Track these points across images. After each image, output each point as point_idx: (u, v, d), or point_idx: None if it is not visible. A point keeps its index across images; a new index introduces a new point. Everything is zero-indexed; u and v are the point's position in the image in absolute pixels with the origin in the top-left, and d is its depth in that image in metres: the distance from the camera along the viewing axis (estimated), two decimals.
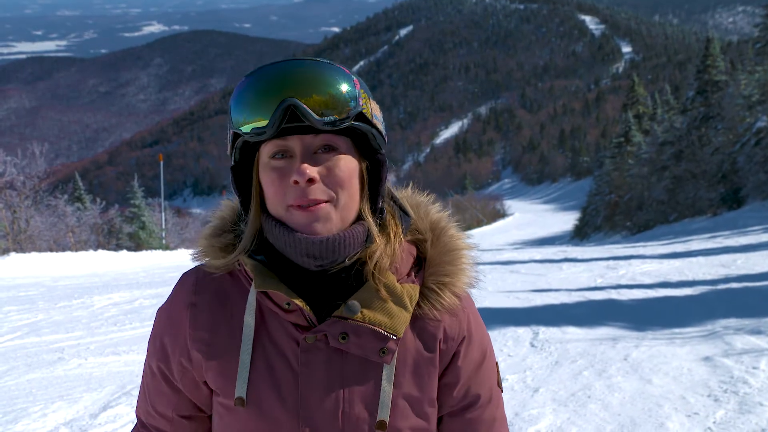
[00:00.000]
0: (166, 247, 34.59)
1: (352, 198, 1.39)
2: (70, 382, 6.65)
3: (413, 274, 1.48)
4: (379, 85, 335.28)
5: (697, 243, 20.06)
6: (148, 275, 17.80)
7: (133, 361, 7.45)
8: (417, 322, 1.46)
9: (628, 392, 5.72)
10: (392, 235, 1.45)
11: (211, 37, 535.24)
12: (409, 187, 1.60)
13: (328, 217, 1.37)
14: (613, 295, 11.08)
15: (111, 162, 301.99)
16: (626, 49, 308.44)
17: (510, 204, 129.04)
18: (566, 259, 18.12)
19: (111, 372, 7.00)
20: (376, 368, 1.42)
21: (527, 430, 4.94)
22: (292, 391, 1.40)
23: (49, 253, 23.23)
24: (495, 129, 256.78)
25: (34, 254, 22.15)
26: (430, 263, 1.49)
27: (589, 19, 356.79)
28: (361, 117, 1.39)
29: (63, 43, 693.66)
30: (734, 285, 11.06)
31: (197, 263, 1.53)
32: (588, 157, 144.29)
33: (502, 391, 1.62)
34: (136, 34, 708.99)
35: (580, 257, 18.61)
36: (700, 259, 15.01)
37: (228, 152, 1.46)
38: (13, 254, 21.44)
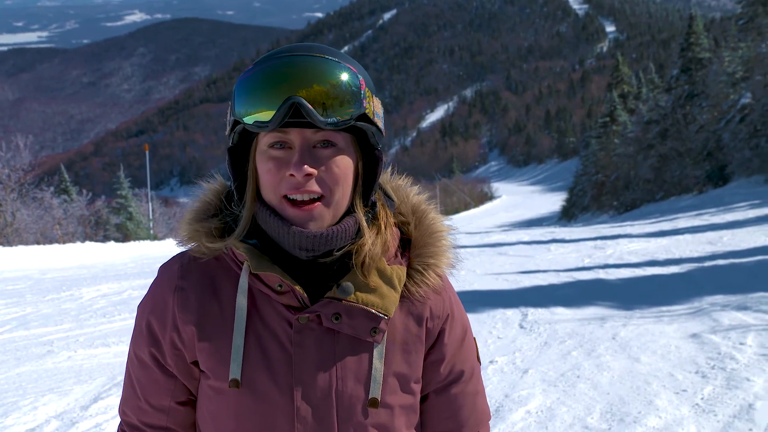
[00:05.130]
0: (154, 237, 34.51)
1: (344, 194, 1.42)
2: (60, 374, 6.64)
3: (399, 255, 1.52)
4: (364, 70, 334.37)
5: (683, 221, 20.18)
6: (137, 266, 17.76)
7: (123, 352, 7.44)
8: (404, 302, 1.50)
9: (617, 371, 5.76)
10: (383, 226, 1.49)
11: (194, 25, 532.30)
12: (389, 170, 1.62)
13: (321, 217, 1.40)
14: (601, 274, 11.14)
15: (96, 153, 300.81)
16: (610, 28, 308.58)
17: (497, 186, 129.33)
18: (554, 240, 18.19)
19: (101, 363, 6.99)
20: (368, 347, 1.45)
21: (517, 411, 4.97)
22: (286, 372, 1.42)
23: (36, 246, 23.13)
24: (481, 111, 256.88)
25: (21, 247, 22.07)
26: (414, 245, 1.53)
27: None
28: (363, 116, 1.40)
29: (44, 34, 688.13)
30: (721, 262, 11.13)
31: (183, 249, 1.54)
32: (574, 138, 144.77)
33: (480, 365, 1.67)
34: (118, 23, 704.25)
35: (567, 238, 18.69)
36: (687, 236, 15.10)
37: (226, 134, 1.47)
38: None
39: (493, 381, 5.71)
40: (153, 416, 1.54)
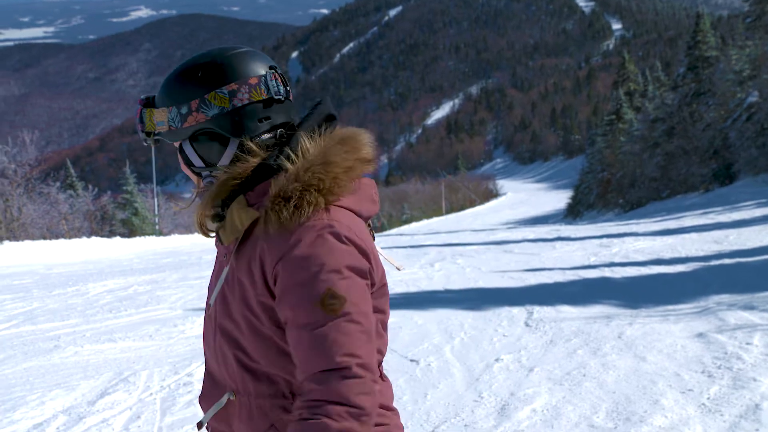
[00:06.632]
0: (160, 233, 34.52)
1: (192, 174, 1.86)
2: (67, 369, 6.66)
3: (261, 197, 1.70)
4: (370, 67, 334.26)
5: (689, 219, 20.14)
6: (142, 261, 17.81)
7: (129, 347, 7.47)
8: (250, 239, 1.70)
9: (623, 370, 5.76)
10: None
11: (199, 20, 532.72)
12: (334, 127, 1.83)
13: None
14: (607, 273, 11.13)
15: (102, 148, 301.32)
16: (616, 25, 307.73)
17: (502, 183, 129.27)
18: (559, 238, 18.17)
19: (107, 359, 7.02)
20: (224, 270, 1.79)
21: (523, 409, 4.98)
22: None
23: (42, 241, 23.19)
24: (486, 109, 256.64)
25: (27, 242, 22.12)
26: (279, 191, 1.65)
27: None
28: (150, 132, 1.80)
29: (50, 29, 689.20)
30: (727, 261, 11.11)
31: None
32: (580, 135, 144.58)
33: (337, 315, 1.57)
34: (124, 19, 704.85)
35: (573, 236, 18.67)
36: (693, 235, 15.08)
37: None
38: (6, 243, 21.41)
39: (499, 379, 5.72)
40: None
